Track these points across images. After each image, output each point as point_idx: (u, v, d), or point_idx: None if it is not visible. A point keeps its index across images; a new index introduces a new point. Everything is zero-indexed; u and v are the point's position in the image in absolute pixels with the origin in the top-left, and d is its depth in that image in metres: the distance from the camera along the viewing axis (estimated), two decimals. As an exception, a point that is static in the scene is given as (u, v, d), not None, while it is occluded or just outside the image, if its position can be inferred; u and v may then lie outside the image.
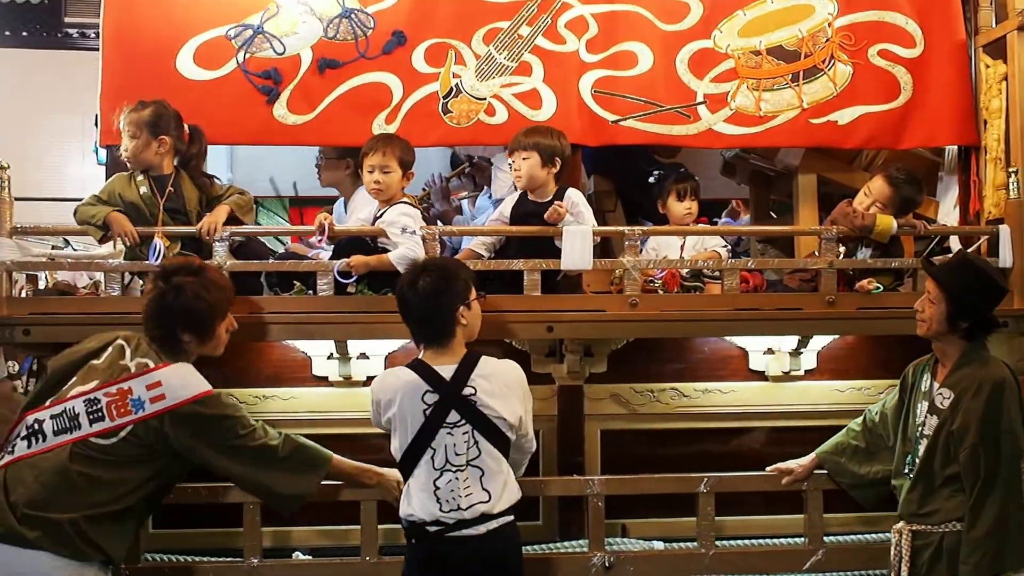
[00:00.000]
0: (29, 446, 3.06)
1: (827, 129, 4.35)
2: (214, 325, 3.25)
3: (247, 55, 4.12)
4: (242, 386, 4.10)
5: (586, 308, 3.94)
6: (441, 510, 3.17)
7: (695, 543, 3.84)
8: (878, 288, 4.03)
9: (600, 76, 4.26)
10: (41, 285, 3.97)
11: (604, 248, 4.26)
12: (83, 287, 4.18)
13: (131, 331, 3.26)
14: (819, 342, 4.27)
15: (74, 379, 3.16)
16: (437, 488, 3.18)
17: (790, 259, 4.43)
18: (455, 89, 4.20)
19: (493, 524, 3.20)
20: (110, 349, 3.20)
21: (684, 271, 4.22)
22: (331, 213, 4.46)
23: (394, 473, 3.58)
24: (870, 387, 4.31)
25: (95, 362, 3.18)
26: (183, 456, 3.16)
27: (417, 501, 3.20)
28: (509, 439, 3.27)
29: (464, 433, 3.18)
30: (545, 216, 3.87)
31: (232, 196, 3.89)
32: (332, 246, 3.97)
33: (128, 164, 3.87)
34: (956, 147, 4.58)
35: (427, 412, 3.20)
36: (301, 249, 4.40)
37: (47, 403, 3.14)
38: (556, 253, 3.91)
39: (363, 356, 4.09)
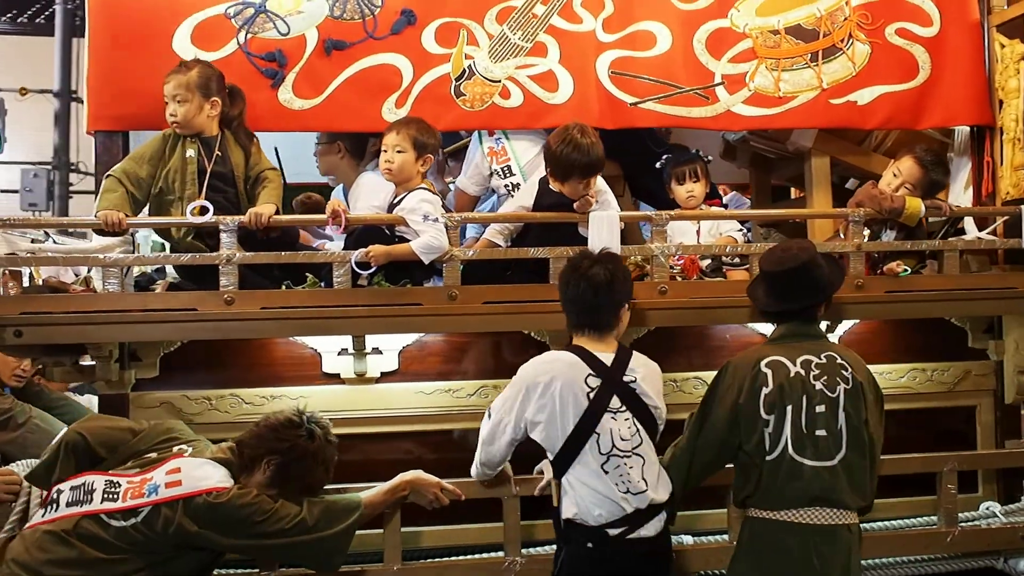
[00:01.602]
0: (44, 515, 2.99)
1: (847, 109, 4.26)
2: (296, 488, 3.13)
3: (249, 35, 3.89)
4: (247, 386, 3.87)
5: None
6: (619, 491, 3.07)
7: (726, 536, 3.74)
8: (906, 271, 3.95)
9: (617, 57, 4.11)
10: (24, 283, 3.68)
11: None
12: (71, 284, 3.90)
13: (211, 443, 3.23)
14: (841, 326, 4.17)
15: (128, 464, 3.08)
16: (606, 472, 3.08)
17: (818, 243, 4.27)
18: (468, 71, 4.02)
19: (661, 522, 3.14)
20: (174, 449, 3.11)
21: (704, 260, 4.11)
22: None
23: (422, 474, 3.43)
24: (892, 371, 4.23)
25: (151, 455, 3.08)
26: (193, 552, 3.03)
27: (586, 492, 3.07)
28: (659, 431, 3.23)
29: (626, 419, 3.13)
30: (576, 207, 3.73)
31: (271, 184, 3.74)
32: (344, 235, 3.78)
33: (177, 130, 3.68)
34: (967, 128, 4.52)
35: (590, 395, 3.12)
36: (305, 238, 4.17)
37: (78, 473, 3.05)
38: (576, 241, 3.77)
39: (376, 351, 3.89)
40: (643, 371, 3.22)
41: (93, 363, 3.63)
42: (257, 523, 2.99)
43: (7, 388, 4.54)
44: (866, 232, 4.07)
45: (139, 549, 2.93)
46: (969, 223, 4.36)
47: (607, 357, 3.20)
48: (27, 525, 3.01)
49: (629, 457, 3.11)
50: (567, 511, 3.10)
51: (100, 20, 3.83)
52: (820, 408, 3.19)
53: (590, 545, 3.05)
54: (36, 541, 2.91)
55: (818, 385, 3.22)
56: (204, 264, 3.55)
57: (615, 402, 3.13)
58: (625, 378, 3.17)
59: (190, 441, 3.19)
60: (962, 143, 4.59)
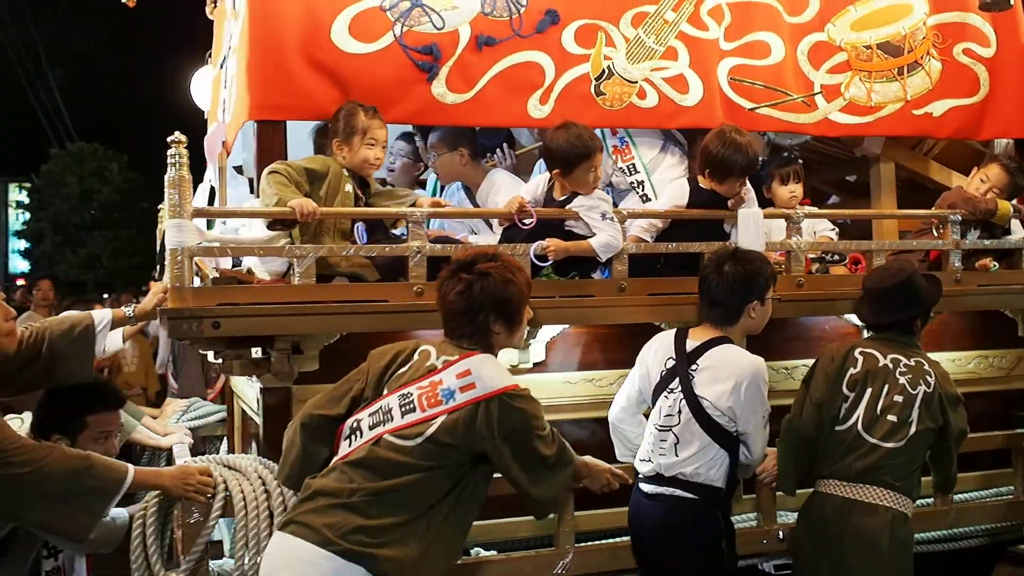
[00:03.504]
0: (350, 445, 2.88)
1: (925, 120, 4.68)
2: (522, 312, 3.07)
3: (404, 28, 3.89)
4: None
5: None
6: (639, 458, 3.49)
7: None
8: (995, 266, 4.39)
9: (736, 64, 4.36)
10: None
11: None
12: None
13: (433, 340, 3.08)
14: (926, 317, 4.56)
15: (384, 390, 2.95)
16: (647, 440, 3.49)
17: (915, 241, 4.59)
18: (607, 71, 4.16)
19: (663, 489, 3.39)
20: (416, 356, 2.99)
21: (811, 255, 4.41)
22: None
23: (594, 459, 3.55)
24: (961, 358, 4.68)
25: (401, 371, 2.96)
26: (477, 461, 2.94)
27: (639, 450, 3.54)
28: (720, 425, 3.37)
29: (675, 399, 3.41)
30: (730, 204, 3.96)
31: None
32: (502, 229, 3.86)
33: (372, 172, 3.81)
34: (1004, 139, 5.05)
35: (662, 373, 3.49)
36: (450, 232, 4.19)
37: (361, 407, 2.94)
38: (720, 237, 4.00)
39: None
40: (710, 364, 3.40)
41: (263, 356, 3.56)
42: (536, 435, 2.93)
43: None
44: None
45: (435, 466, 2.82)
46: (1015, 224, 4.86)
47: (693, 344, 3.46)
48: (338, 457, 2.88)
49: (666, 431, 3.41)
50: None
51: (259, 11, 3.75)
52: (898, 398, 3.56)
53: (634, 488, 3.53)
54: (341, 472, 2.81)
55: (901, 380, 3.59)
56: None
57: (675, 383, 3.44)
58: (690, 367, 3.43)
59: (421, 344, 3.04)
60: (1002, 152, 5.10)
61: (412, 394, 2.87)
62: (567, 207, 3.79)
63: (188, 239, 3.27)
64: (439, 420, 2.83)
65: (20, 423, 3.37)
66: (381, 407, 2.89)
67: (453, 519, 2.92)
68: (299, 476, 3.00)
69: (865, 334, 4.44)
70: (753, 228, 3.95)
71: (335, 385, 3.09)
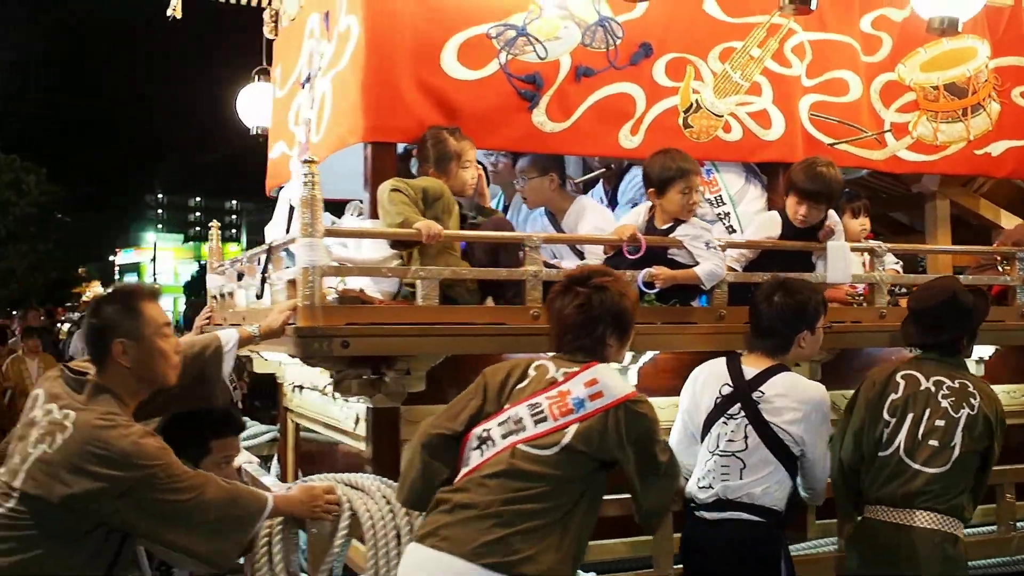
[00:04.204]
0: (482, 455, 2.88)
1: (984, 160, 4.87)
2: (632, 327, 3.12)
3: (509, 57, 3.98)
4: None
5: (839, 320, 4.14)
6: (698, 486, 3.43)
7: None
8: (1058, 302, 4.56)
9: (816, 100, 4.51)
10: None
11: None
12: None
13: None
14: (985, 351, 4.72)
15: (506, 404, 2.96)
16: (704, 468, 3.43)
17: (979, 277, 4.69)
18: (695, 104, 4.28)
19: (727, 514, 3.37)
20: (532, 371, 3.01)
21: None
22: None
23: None
24: (1015, 390, 4.84)
25: (520, 385, 2.98)
26: (601, 467, 2.96)
27: (692, 478, 3.48)
28: (789, 449, 3.39)
29: (738, 425, 3.38)
30: (820, 235, 4.08)
31: None
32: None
33: (469, 192, 3.87)
34: (1048, 179, 5.27)
35: (717, 400, 3.45)
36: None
37: (484, 419, 2.94)
38: (808, 268, 4.11)
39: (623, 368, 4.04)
40: (777, 391, 3.43)
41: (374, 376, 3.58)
42: (656, 441, 2.97)
43: None
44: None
45: (570, 474, 2.84)
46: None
47: (751, 372, 3.45)
48: (468, 468, 2.88)
49: (728, 457, 3.38)
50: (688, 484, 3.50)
51: (375, 35, 3.82)
52: (939, 423, 3.59)
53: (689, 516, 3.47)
54: (480, 484, 2.82)
55: (944, 403, 3.62)
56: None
57: (735, 408, 3.41)
58: (754, 394, 3.45)
59: (534, 361, 3.06)
60: (1047, 191, 5.33)
61: (542, 404, 2.91)
62: (670, 235, 3.88)
63: (320, 258, 3.30)
64: (573, 428, 2.87)
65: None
66: (510, 416, 2.91)
67: (583, 525, 2.94)
68: (420, 496, 3.01)
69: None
70: (842, 261, 4.07)
71: (449, 405, 3.10)
